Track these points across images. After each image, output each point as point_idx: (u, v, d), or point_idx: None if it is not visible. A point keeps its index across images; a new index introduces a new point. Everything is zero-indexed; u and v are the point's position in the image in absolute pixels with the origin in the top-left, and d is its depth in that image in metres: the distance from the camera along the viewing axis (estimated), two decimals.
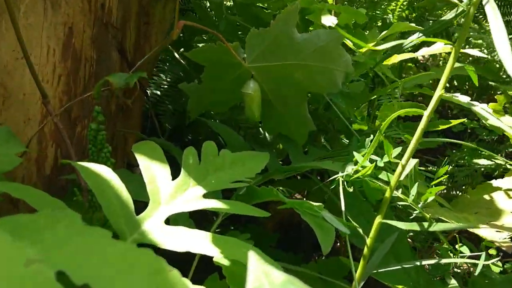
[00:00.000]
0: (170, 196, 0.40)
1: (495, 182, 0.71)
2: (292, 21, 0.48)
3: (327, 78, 0.50)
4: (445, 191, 0.97)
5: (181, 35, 0.92)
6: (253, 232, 0.62)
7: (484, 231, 0.53)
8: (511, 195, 0.66)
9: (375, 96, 0.76)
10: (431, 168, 1.05)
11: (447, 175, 0.97)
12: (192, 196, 0.40)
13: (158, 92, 0.91)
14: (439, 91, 0.48)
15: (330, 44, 0.48)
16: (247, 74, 0.51)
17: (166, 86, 0.91)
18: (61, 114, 0.51)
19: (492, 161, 0.94)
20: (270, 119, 0.55)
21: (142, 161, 0.42)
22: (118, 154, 0.63)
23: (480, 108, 0.48)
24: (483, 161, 0.94)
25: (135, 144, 0.44)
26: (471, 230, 0.54)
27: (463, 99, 0.49)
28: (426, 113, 0.48)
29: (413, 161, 0.51)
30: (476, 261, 0.51)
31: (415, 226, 0.49)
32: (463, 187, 0.97)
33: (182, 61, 0.90)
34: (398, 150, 0.49)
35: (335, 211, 0.50)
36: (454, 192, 0.97)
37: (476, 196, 0.67)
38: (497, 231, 0.54)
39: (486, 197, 0.66)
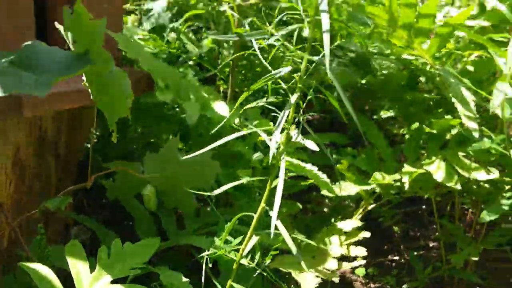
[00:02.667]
0: (90, 284, 0.63)
1: (339, 224, 0.99)
2: (175, 148, 0.71)
3: (202, 181, 0.74)
4: None
5: None
6: None
7: (304, 277, 0.80)
8: (342, 240, 0.94)
9: None
10: None
11: None
12: (103, 283, 0.63)
13: None
14: None
15: (205, 168, 0.71)
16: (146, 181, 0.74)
17: None
18: (14, 218, 0.73)
19: None
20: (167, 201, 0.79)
21: (71, 260, 0.65)
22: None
23: None
24: None
25: (66, 245, 0.66)
26: (295, 276, 0.81)
27: None
28: None
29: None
30: None
31: None
32: None
33: None
34: None
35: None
36: None
37: (321, 239, 0.95)
38: (316, 276, 0.82)
39: (327, 240, 0.94)
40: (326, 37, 0.51)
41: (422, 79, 1.03)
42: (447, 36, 0.89)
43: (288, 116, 0.66)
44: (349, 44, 1.03)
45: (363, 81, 0.96)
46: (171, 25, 1.23)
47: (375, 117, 1.23)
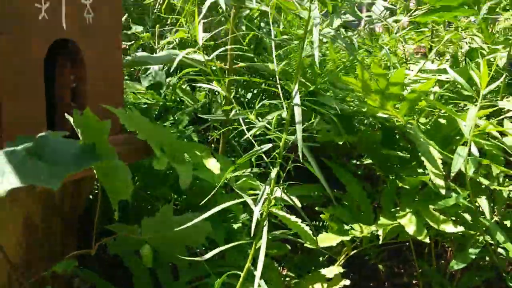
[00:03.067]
0: None
1: (322, 271, 1.06)
2: (169, 212, 0.79)
3: (194, 239, 0.83)
4: None
5: None
6: None
7: None
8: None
9: None
10: None
11: None
12: None
13: None
14: None
15: (197, 228, 0.79)
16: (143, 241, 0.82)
17: None
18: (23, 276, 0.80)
19: None
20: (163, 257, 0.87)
21: None
22: None
23: None
24: None
25: None
26: None
27: None
28: None
29: None
30: None
31: None
32: None
33: None
34: None
35: None
36: None
37: (305, 286, 1.02)
38: None
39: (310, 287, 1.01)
40: (298, 128, 0.60)
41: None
42: (415, 101, 0.98)
43: (272, 181, 0.75)
44: (330, 102, 1.12)
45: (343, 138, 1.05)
46: (168, 80, 1.33)
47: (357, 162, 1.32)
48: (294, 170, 0.75)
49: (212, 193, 0.80)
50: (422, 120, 1.15)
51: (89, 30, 0.78)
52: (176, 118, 1.31)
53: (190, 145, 1.00)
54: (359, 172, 1.26)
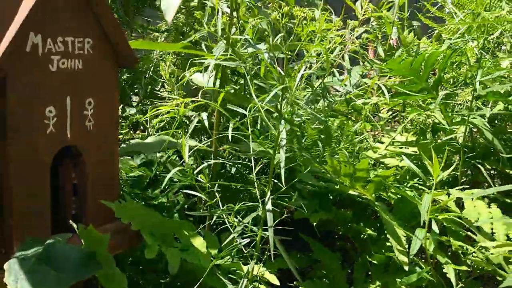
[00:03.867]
0: None
1: None
2: None
3: None
4: None
5: None
6: None
7: None
8: None
9: None
10: None
11: None
12: None
13: None
14: None
15: None
16: None
17: None
18: None
19: None
20: None
21: None
22: None
23: None
24: None
25: None
26: None
27: None
28: None
29: None
30: None
31: None
32: None
33: None
34: None
35: None
36: None
37: None
38: None
39: None
40: (270, 231, 0.71)
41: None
42: (380, 183, 1.10)
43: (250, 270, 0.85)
44: (308, 179, 1.23)
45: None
46: (159, 156, 1.44)
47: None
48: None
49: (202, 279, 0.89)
50: (393, 190, 1.27)
51: (90, 135, 0.90)
52: (166, 186, 1.41)
53: (178, 224, 1.10)
54: (338, 242, 1.36)
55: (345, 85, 1.68)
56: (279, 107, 0.76)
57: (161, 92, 1.75)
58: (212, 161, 0.95)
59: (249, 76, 0.80)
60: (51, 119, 0.83)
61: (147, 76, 2.00)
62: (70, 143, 0.87)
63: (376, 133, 1.58)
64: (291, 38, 0.79)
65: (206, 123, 0.88)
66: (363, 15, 1.36)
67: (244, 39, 1.18)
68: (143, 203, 1.40)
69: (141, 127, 1.70)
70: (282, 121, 0.71)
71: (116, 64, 0.94)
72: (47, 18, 0.80)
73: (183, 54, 1.75)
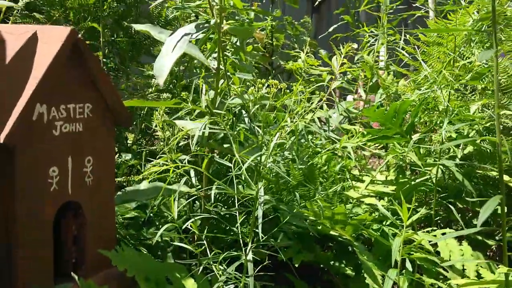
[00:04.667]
0: None
1: None
2: None
3: None
4: None
5: None
6: None
7: None
8: None
9: None
10: None
11: None
12: None
13: None
14: None
15: None
16: None
17: None
18: None
19: None
20: None
21: None
22: None
23: None
24: None
25: None
26: None
27: None
28: None
29: None
30: None
31: None
32: None
33: None
34: None
35: None
36: None
37: None
38: None
39: None
40: (251, 280, 0.79)
41: None
42: (357, 225, 1.19)
43: None
44: (293, 220, 1.32)
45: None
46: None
47: None
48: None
49: None
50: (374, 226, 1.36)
51: (89, 190, 0.99)
52: (160, 226, 1.50)
53: (171, 267, 1.18)
54: (325, 278, 1.44)
55: (330, 127, 1.77)
56: (258, 165, 0.86)
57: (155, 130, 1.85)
58: (200, 216, 1.03)
59: (232, 137, 0.89)
60: (55, 177, 0.92)
61: (141, 114, 2.09)
62: (71, 198, 0.96)
63: (360, 167, 1.67)
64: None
65: (194, 180, 0.97)
66: (339, 70, 1.47)
67: (231, 89, 1.29)
68: (139, 242, 1.48)
69: (136, 170, 1.79)
70: (260, 183, 0.80)
71: (112, 123, 1.04)
72: (54, 90, 0.90)
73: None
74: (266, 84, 0.88)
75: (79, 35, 0.92)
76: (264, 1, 2.98)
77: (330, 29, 2.55)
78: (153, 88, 1.86)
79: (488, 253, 1.52)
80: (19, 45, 0.92)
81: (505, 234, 0.98)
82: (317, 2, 2.93)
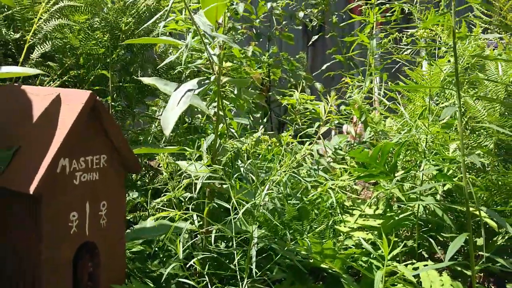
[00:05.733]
0: None
1: None
2: None
3: None
4: None
5: None
6: None
7: None
8: None
9: None
10: None
11: None
12: None
13: None
14: None
15: None
16: None
17: None
18: None
19: None
20: None
21: None
22: None
23: None
24: None
25: None
26: None
27: None
28: None
29: None
30: None
31: None
32: None
33: None
34: None
35: None
36: None
37: None
38: None
39: None
40: None
41: None
42: (345, 259, 1.31)
43: None
44: (287, 255, 1.44)
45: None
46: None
47: None
48: None
49: None
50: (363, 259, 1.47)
51: (103, 231, 1.11)
52: (163, 259, 1.61)
53: None
54: None
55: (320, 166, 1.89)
56: (252, 210, 0.98)
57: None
58: (202, 254, 1.15)
59: (230, 186, 1.02)
60: (74, 221, 1.04)
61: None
62: (88, 239, 1.08)
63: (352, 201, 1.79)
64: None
65: (196, 223, 1.09)
66: (327, 116, 1.61)
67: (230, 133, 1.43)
68: (144, 275, 1.59)
69: (141, 206, 1.91)
70: (255, 226, 0.93)
71: (123, 170, 1.17)
72: (75, 145, 1.04)
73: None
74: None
75: (96, 97, 1.06)
76: (261, 40, 3.16)
77: (324, 67, 2.72)
78: (157, 129, 2.00)
79: (468, 283, 1.63)
80: (44, 106, 1.06)
81: (473, 267, 1.09)
82: (311, 41, 3.10)
